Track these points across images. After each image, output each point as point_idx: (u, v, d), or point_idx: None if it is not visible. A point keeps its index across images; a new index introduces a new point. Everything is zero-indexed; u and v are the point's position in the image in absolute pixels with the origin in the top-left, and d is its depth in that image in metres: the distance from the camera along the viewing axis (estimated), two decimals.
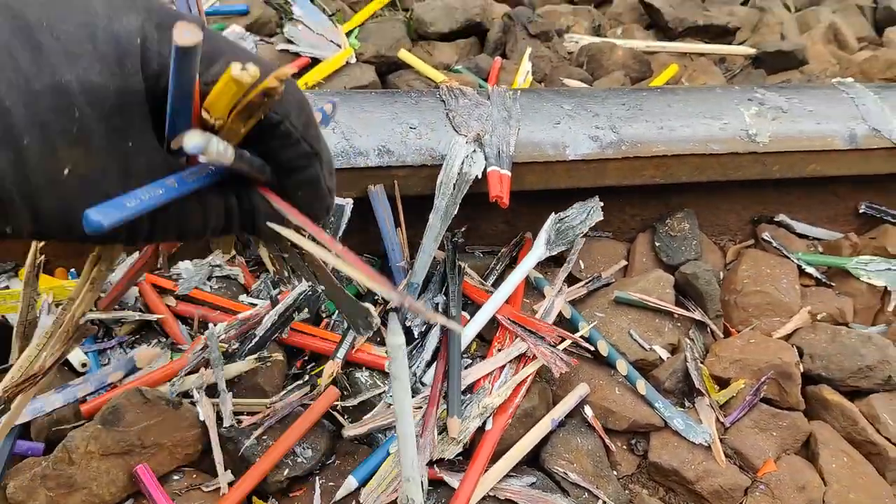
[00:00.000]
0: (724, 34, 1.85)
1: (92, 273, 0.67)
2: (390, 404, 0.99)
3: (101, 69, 0.46)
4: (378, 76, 1.54)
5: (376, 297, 1.10)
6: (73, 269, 1.08)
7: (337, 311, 1.08)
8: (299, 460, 0.94)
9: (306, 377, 1.02)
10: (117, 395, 0.91)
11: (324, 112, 0.66)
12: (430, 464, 0.94)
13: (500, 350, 1.07)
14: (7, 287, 1.05)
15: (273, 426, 0.94)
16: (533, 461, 1.02)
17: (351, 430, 0.98)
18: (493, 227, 1.23)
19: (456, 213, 1.06)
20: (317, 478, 0.95)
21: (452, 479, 0.95)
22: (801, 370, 1.13)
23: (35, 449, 0.91)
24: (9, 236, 0.47)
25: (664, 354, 1.14)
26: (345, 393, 1.01)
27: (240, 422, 0.94)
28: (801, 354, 1.16)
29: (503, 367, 1.05)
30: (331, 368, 1.00)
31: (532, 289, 1.17)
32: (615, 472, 1.04)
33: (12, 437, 0.89)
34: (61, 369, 1.02)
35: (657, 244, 1.26)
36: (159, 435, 0.90)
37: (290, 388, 0.99)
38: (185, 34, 0.44)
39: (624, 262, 1.26)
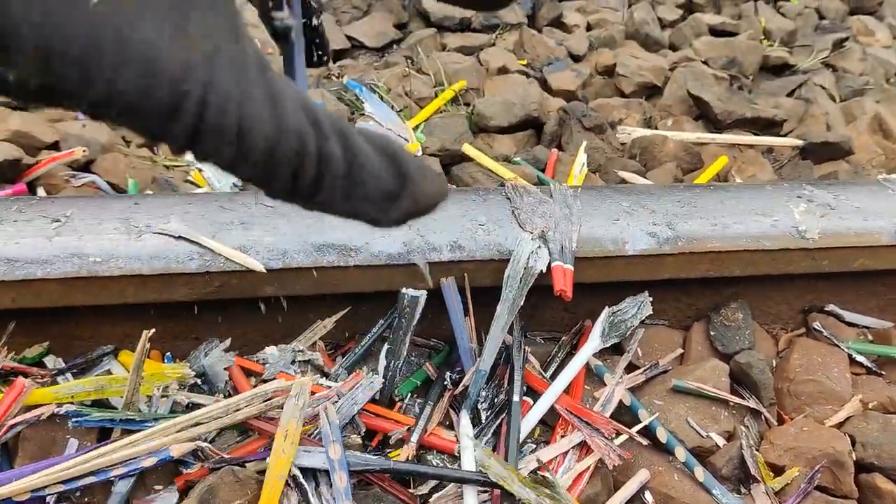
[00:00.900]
0: (771, 125, 1.93)
1: None
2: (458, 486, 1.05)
3: None
4: (443, 168, 1.64)
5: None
6: (168, 353, 1.17)
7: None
8: None
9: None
10: (213, 475, 0.98)
11: None
12: None
13: (563, 436, 1.13)
14: (109, 371, 1.15)
15: None
16: None
17: None
18: (554, 315, 1.30)
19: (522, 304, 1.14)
20: None
21: None
22: (854, 459, 1.17)
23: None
24: (9, 92, 0.36)
25: (720, 441, 1.19)
26: (416, 482, 1.08)
27: None
28: (853, 443, 1.20)
29: (566, 453, 1.11)
30: (406, 452, 1.07)
31: (593, 376, 1.23)
32: None
33: None
34: None
35: (712, 333, 1.31)
36: None
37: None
38: None
39: (680, 351, 1.31)
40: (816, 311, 1.42)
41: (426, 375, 1.20)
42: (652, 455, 1.16)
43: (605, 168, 1.71)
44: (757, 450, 1.19)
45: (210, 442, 1.04)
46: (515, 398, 1.13)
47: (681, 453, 1.14)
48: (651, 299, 1.25)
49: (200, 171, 1.54)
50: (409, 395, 1.18)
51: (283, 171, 0.39)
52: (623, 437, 1.12)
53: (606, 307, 1.22)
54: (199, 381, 1.13)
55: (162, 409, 1.08)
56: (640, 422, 1.15)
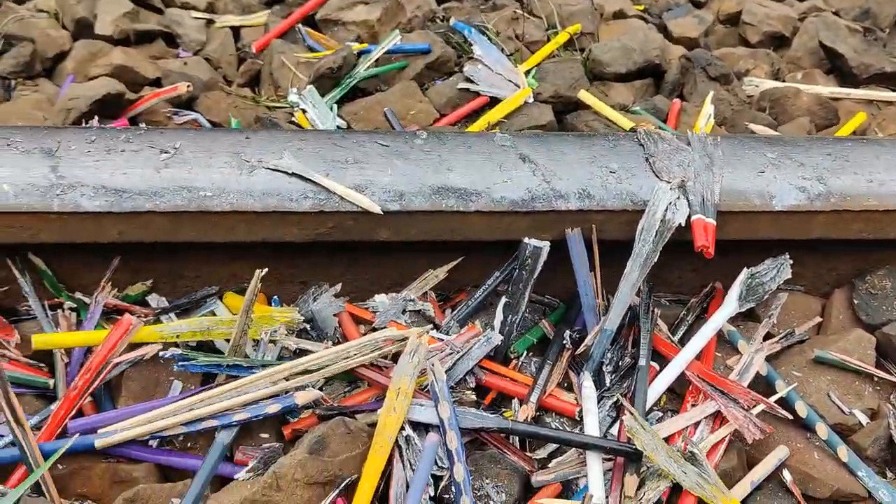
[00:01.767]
0: None
1: None
2: (580, 452, 0.97)
3: None
4: (555, 116, 1.54)
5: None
6: (275, 297, 1.12)
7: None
8: (493, 502, 0.93)
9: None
10: (323, 425, 0.93)
11: None
12: None
13: (693, 405, 1.04)
14: (213, 312, 1.10)
15: None
16: None
17: (540, 476, 0.97)
18: (682, 276, 1.20)
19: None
20: None
21: None
22: None
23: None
24: None
25: (864, 419, 1.08)
26: (532, 445, 1.01)
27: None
28: None
29: (698, 424, 1.02)
30: (525, 413, 0.99)
31: (724, 342, 1.13)
32: None
33: (220, 455, 0.92)
34: None
35: (856, 302, 1.20)
36: (360, 467, 0.92)
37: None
38: None
39: (818, 319, 1.20)
40: None
41: (542, 333, 1.12)
42: (789, 430, 1.06)
43: (732, 121, 1.58)
44: None
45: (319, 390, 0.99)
46: (643, 362, 1.04)
47: (822, 430, 1.04)
48: (792, 262, 1.14)
49: (304, 112, 1.48)
50: (525, 353, 1.10)
51: None
52: (760, 408, 1.02)
53: (746, 268, 1.12)
54: (307, 327, 1.07)
55: (269, 356, 1.03)
56: (775, 394, 1.05)
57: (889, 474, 1.06)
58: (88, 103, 1.40)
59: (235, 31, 1.77)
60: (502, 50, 1.66)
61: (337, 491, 0.91)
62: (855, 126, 1.57)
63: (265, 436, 0.98)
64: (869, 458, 1.05)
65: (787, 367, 1.11)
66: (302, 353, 1.03)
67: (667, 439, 0.99)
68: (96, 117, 1.40)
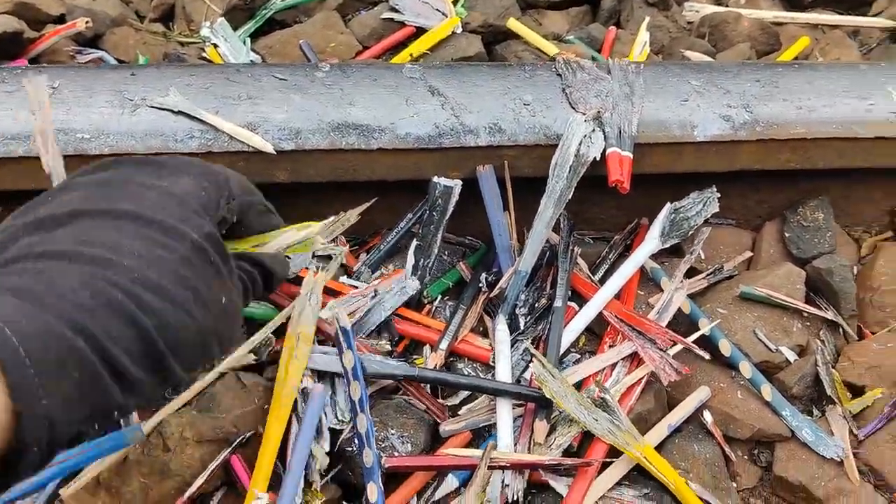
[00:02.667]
0: (859, 4, 1.70)
1: None
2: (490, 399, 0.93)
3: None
4: (485, 47, 1.46)
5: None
6: None
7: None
8: (397, 454, 0.89)
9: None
10: (213, 381, 0.87)
11: None
12: (536, 468, 0.88)
13: (611, 346, 0.99)
14: None
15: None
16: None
17: (448, 426, 0.92)
18: (605, 212, 1.14)
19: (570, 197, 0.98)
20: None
21: (559, 485, 0.88)
22: None
23: None
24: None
25: (791, 356, 1.04)
26: (445, 392, 0.96)
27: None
28: None
29: (614, 365, 0.97)
30: (434, 360, 0.95)
31: (647, 280, 1.08)
32: (734, 485, 0.96)
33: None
34: None
35: (787, 235, 1.15)
36: (256, 423, 0.87)
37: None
38: None
39: (749, 254, 1.16)
40: None
41: (459, 276, 1.07)
42: (713, 370, 1.02)
43: (670, 49, 1.52)
44: (833, 367, 1.05)
45: None
46: (559, 303, 1.00)
47: (746, 369, 1.00)
48: (719, 195, 1.09)
49: (216, 46, 1.39)
50: (440, 297, 1.05)
51: None
52: (679, 348, 0.98)
53: (669, 203, 1.06)
54: None
55: None
56: (699, 332, 1.01)
57: (815, 412, 1.03)
58: None
59: None
60: None
61: (230, 448, 0.86)
62: (797, 51, 1.51)
63: None
64: (794, 397, 1.02)
65: (714, 304, 1.07)
66: None
67: (581, 383, 0.95)
68: None
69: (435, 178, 0.99)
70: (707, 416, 0.98)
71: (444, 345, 0.96)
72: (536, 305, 1.01)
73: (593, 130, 0.98)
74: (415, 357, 1.00)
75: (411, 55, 1.38)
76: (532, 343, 0.98)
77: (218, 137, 0.93)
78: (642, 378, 0.95)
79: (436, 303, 1.04)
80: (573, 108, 1.02)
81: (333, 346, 0.92)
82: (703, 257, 1.14)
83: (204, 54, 1.40)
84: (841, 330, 1.09)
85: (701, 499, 0.89)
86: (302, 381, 0.89)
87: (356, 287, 1.02)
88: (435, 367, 0.95)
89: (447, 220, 1.01)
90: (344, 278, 1.05)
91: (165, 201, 0.53)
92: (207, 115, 0.94)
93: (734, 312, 1.06)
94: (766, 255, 1.16)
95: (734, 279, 1.11)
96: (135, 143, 0.92)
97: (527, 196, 1.03)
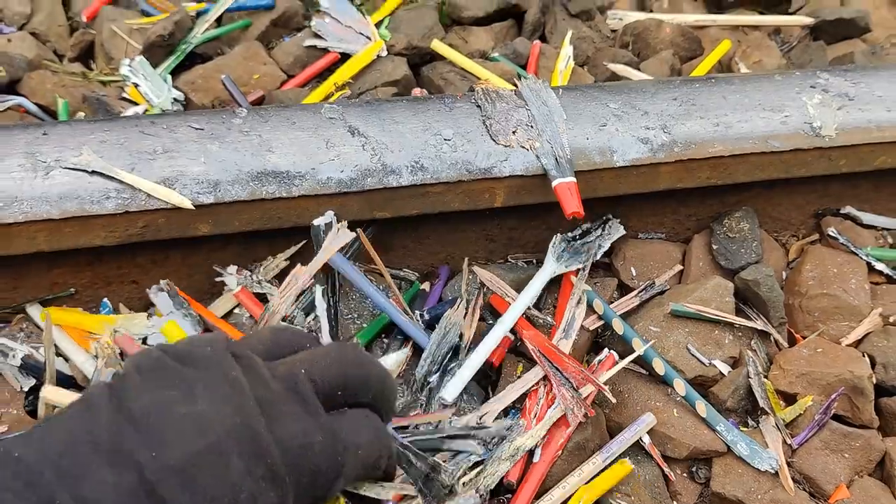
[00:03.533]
0: (778, 2, 1.73)
1: None
2: None
3: None
4: (411, 69, 1.46)
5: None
6: (105, 299, 1.04)
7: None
8: None
9: None
10: None
11: None
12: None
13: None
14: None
15: None
16: None
17: None
18: (537, 235, 1.15)
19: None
20: None
21: None
22: (874, 382, 1.05)
23: None
24: None
25: (724, 369, 1.06)
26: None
27: None
28: (872, 364, 1.08)
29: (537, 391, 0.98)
30: None
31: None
32: (675, 503, 0.98)
33: None
34: None
35: (714, 247, 1.17)
36: None
37: None
38: None
39: (679, 267, 1.18)
40: (830, 214, 1.27)
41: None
42: (649, 387, 1.04)
43: (594, 60, 1.53)
44: (766, 377, 1.07)
45: None
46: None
47: (680, 386, 1.02)
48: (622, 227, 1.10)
49: (136, 86, 1.37)
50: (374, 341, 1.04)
51: None
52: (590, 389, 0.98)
53: (557, 234, 1.08)
54: None
55: None
56: (634, 352, 1.02)
57: (751, 423, 1.05)
58: None
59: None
60: (351, 1, 1.56)
61: None
62: (719, 56, 1.53)
63: None
64: (729, 410, 1.04)
65: (646, 321, 1.09)
66: None
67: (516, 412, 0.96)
68: None
69: (315, 221, 0.99)
70: (645, 438, 0.99)
71: None
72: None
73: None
74: None
75: (335, 84, 1.38)
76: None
77: (135, 196, 0.92)
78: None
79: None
80: (494, 140, 1.02)
81: None
82: (634, 274, 1.16)
83: (125, 94, 1.37)
84: (772, 338, 1.12)
85: None
86: None
87: None
88: None
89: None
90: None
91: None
92: (123, 173, 0.92)
93: (666, 330, 1.07)
94: (695, 268, 1.17)
95: (666, 294, 1.13)
96: (49, 207, 0.90)
97: (455, 229, 1.03)
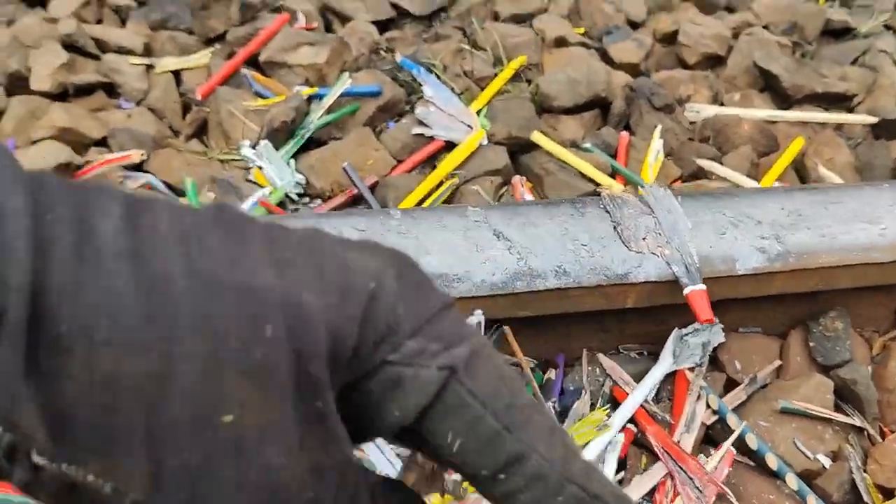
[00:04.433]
0: (841, 100, 1.84)
1: None
2: None
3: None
4: (510, 156, 1.56)
5: None
6: None
7: None
8: None
9: None
10: None
11: None
12: None
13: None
14: None
15: None
16: None
17: None
18: (646, 327, 1.24)
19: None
20: None
21: None
22: None
23: None
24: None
25: (827, 462, 1.15)
26: None
27: None
28: None
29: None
30: None
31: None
32: None
33: None
34: None
35: (812, 345, 1.26)
36: None
37: None
38: None
39: (778, 362, 1.27)
40: None
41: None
42: (760, 481, 1.12)
43: (679, 153, 1.63)
44: (865, 471, 1.16)
45: None
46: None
47: (792, 481, 1.10)
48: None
49: (261, 168, 1.46)
50: None
51: None
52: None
53: (676, 329, 1.17)
54: None
55: None
56: (746, 444, 1.11)
57: None
58: None
59: (177, 74, 1.73)
60: (452, 89, 1.66)
61: None
62: (794, 153, 1.63)
63: None
64: (835, 503, 1.12)
65: (755, 416, 1.17)
66: None
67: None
68: None
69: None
70: None
71: None
72: None
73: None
74: None
75: (446, 174, 1.47)
76: None
77: None
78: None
79: None
80: (626, 247, 1.12)
81: None
82: (739, 368, 1.25)
83: (250, 177, 1.46)
84: (866, 433, 1.20)
85: None
86: None
87: None
88: None
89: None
90: None
91: None
92: None
93: (775, 424, 1.16)
94: (794, 363, 1.26)
95: (769, 388, 1.22)
96: None
97: (572, 321, 1.12)
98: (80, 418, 0.29)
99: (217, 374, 0.30)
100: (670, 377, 1.18)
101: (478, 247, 1.09)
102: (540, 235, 1.12)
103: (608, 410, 1.11)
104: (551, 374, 1.21)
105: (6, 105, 1.55)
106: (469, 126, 1.59)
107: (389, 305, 0.35)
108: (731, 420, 1.13)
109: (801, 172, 1.64)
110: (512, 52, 1.80)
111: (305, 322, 0.32)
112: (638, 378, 1.18)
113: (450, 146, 1.56)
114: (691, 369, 1.16)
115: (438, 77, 1.69)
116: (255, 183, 1.45)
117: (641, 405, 1.14)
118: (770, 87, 1.87)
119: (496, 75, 1.73)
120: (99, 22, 1.87)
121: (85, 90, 1.62)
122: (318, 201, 1.47)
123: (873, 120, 1.78)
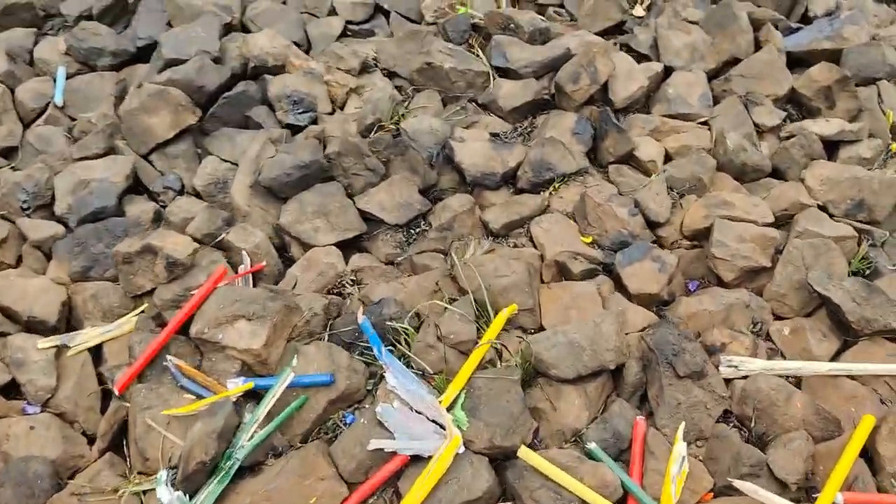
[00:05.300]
0: None
1: None
2: None
3: None
4: (494, 470, 1.24)
5: None
6: None
7: None
8: None
9: None
10: None
11: None
12: None
13: None
14: None
15: None
16: None
17: None
18: None
19: None
20: None
21: None
22: None
23: None
24: None
25: None
26: None
27: None
28: None
29: None
30: None
31: None
32: None
33: None
34: None
35: None
36: None
37: None
38: None
39: None
40: None
41: None
42: None
43: (711, 448, 1.28)
44: None
45: None
46: None
47: None
48: None
49: None
50: None
51: None
52: None
53: None
54: None
55: None
56: None
57: None
58: None
59: (97, 349, 1.44)
60: (423, 374, 1.34)
61: None
62: (863, 439, 1.27)
63: None
64: None
65: None
66: None
67: None
68: None
69: None
70: None
71: None
72: None
73: None
74: None
75: None
76: None
77: None
78: None
79: None
80: None
81: None
82: None
83: None
84: None
85: None
86: None
87: None
88: None
89: None
90: None
91: None
92: None
93: None
94: None
95: None
96: None
97: None
98: None
99: None
100: None
101: None
102: None
103: None
104: None
105: None
106: (441, 427, 1.27)
107: None
108: None
109: (872, 462, 1.27)
110: (500, 296, 1.45)
111: None
112: None
113: (415, 461, 1.24)
114: None
115: (408, 349, 1.37)
116: None
117: None
118: (831, 315, 1.49)
119: (479, 334, 1.40)
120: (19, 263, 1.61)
121: None
122: None
123: None
